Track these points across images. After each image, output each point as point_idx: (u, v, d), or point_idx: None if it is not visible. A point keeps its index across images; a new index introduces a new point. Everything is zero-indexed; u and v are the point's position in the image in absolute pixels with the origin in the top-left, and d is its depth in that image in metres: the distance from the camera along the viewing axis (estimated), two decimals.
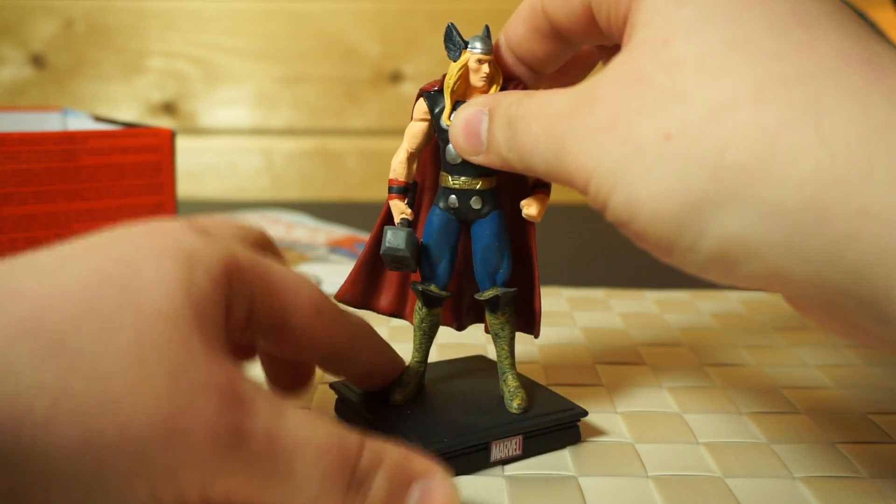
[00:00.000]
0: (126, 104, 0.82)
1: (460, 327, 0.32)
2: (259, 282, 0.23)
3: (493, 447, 0.28)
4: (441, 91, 0.28)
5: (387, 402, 0.29)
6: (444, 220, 0.29)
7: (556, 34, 0.27)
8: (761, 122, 0.19)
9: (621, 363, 0.38)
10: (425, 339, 0.30)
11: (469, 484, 0.27)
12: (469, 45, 0.28)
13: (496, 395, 0.30)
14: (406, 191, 0.29)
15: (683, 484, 0.27)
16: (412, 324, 0.30)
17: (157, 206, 0.44)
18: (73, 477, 0.17)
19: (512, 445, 0.28)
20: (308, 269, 0.53)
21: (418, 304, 0.30)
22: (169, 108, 0.83)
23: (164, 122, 0.83)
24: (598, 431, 0.31)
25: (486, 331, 0.31)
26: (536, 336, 0.31)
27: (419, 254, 0.29)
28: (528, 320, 0.31)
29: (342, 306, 0.27)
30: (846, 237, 0.18)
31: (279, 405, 0.20)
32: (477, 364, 0.34)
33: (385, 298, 0.31)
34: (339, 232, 0.64)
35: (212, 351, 0.20)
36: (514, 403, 0.29)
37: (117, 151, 0.42)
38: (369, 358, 0.28)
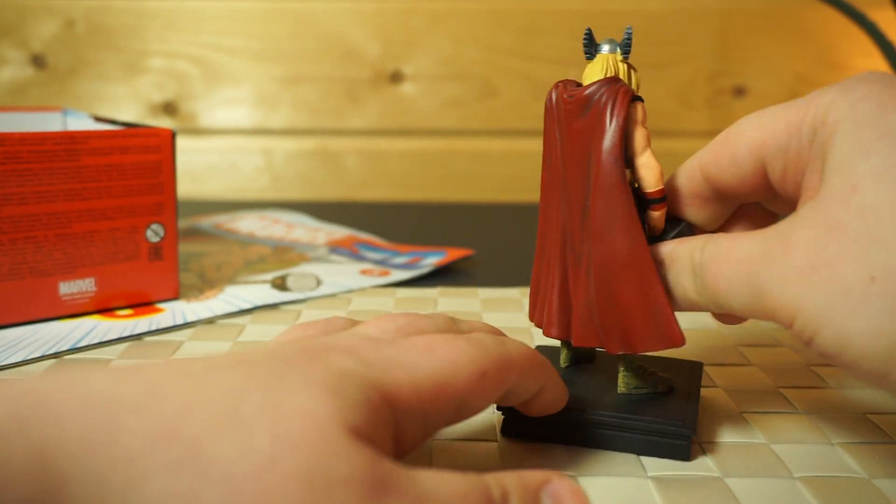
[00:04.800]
0: (126, 104, 0.82)
1: None
2: (428, 396, 0.22)
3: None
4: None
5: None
6: None
7: (719, 196, 0.29)
8: None
9: None
10: None
11: None
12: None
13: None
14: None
15: (683, 484, 0.27)
16: None
17: (158, 206, 0.44)
18: None
19: None
20: (308, 269, 0.53)
21: None
22: (169, 108, 0.83)
23: (164, 123, 0.83)
24: None
25: None
26: None
27: None
28: None
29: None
30: None
31: (413, 472, 0.20)
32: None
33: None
34: (339, 232, 0.64)
35: (353, 440, 0.19)
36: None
37: (118, 151, 0.43)
38: (535, 386, 0.27)
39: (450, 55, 0.83)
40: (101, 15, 0.81)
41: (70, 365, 0.37)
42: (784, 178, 0.26)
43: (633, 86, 0.29)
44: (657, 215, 0.29)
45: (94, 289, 0.43)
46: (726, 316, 0.30)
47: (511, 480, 0.22)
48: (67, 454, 0.17)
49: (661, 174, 0.28)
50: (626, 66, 0.29)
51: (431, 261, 0.55)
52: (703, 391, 0.35)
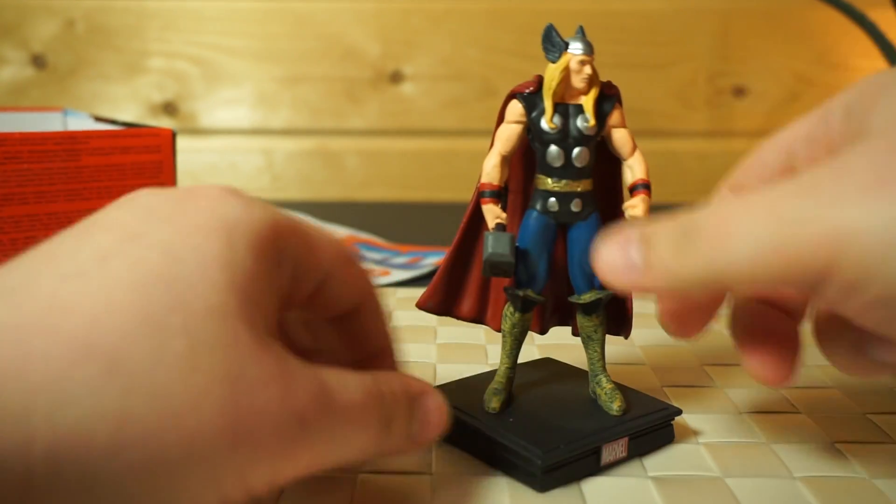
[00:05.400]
0: (126, 104, 0.82)
1: (543, 331, 0.32)
2: (300, 240, 0.23)
3: (604, 451, 0.28)
4: (536, 92, 0.28)
5: (484, 410, 0.29)
6: (542, 223, 0.28)
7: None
8: None
9: (619, 363, 0.38)
10: (516, 344, 0.30)
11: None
12: (570, 46, 0.28)
13: (586, 397, 0.30)
14: (500, 195, 0.28)
15: (683, 484, 0.27)
16: (495, 329, 0.31)
17: None
18: (143, 497, 0.18)
19: (619, 448, 0.28)
20: None
21: (509, 309, 0.29)
22: (169, 109, 0.83)
23: (164, 123, 0.83)
24: None
25: (575, 333, 0.31)
26: (627, 337, 0.31)
27: (517, 258, 0.28)
28: (620, 322, 0.31)
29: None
30: None
31: (316, 370, 0.21)
32: (551, 368, 0.34)
33: (466, 304, 0.31)
34: (339, 232, 0.64)
35: (259, 339, 0.20)
36: (615, 405, 0.29)
37: (118, 151, 0.43)
38: (379, 322, 0.27)
39: (450, 55, 0.83)
40: (101, 15, 0.81)
41: None
42: (811, 164, 0.24)
43: (548, 81, 0.28)
44: (486, 207, 0.28)
45: None
46: (681, 309, 0.26)
47: (397, 382, 0.24)
48: None
49: (490, 170, 0.28)
50: (549, 63, 0.28)
51: (431, 261, 0.55)
52: (703, 391, 0.35)
